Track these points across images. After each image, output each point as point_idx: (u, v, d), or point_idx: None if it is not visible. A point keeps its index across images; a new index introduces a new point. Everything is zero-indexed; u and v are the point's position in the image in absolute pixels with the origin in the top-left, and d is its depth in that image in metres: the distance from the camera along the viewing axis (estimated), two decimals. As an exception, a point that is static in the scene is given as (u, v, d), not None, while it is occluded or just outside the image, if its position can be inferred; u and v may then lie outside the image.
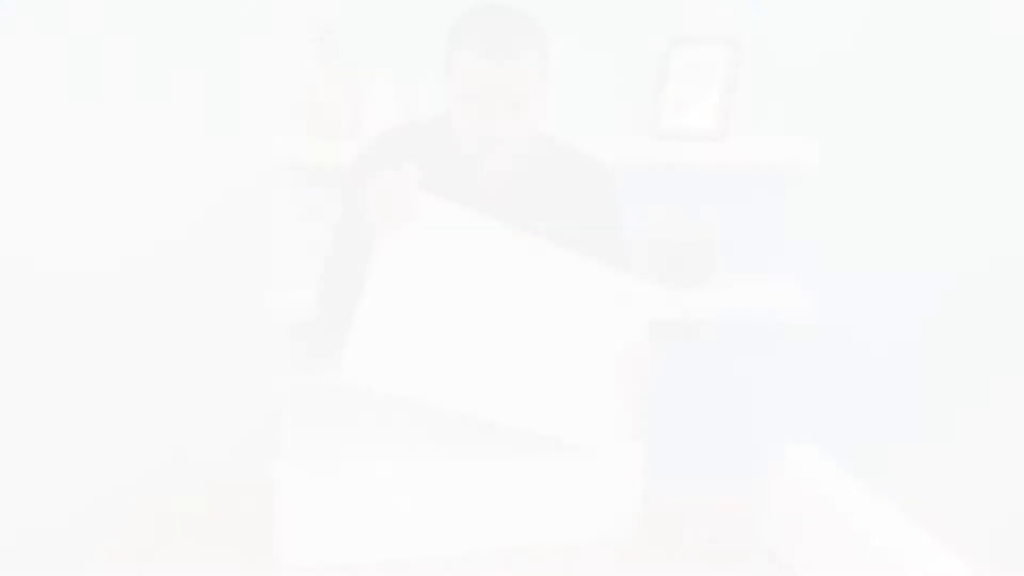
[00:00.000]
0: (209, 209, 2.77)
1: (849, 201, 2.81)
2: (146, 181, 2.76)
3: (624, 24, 2.74)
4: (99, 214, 2.78)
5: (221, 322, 2.81)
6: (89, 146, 2.75)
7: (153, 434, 2.88)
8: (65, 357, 2.85)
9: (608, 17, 2.73)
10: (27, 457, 2.89)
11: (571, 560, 1.94)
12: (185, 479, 2.86)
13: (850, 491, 1.82)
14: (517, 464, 1.96)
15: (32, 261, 2.80)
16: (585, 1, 2.72)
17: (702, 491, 2.32)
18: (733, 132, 2.70)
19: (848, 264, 2.84)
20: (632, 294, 1.90)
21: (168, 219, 2.78)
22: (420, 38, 2.67)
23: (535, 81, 1.92)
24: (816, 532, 1.83)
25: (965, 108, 2.78)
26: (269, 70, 2.72)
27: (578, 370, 1.89)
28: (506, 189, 2.05)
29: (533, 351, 1.87)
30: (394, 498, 1.91)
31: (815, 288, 2.79)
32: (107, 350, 2.84)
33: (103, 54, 2.71)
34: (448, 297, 1.79)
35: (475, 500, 1.95)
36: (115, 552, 1.97)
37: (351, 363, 1.75)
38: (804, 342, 2.88)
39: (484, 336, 1.83)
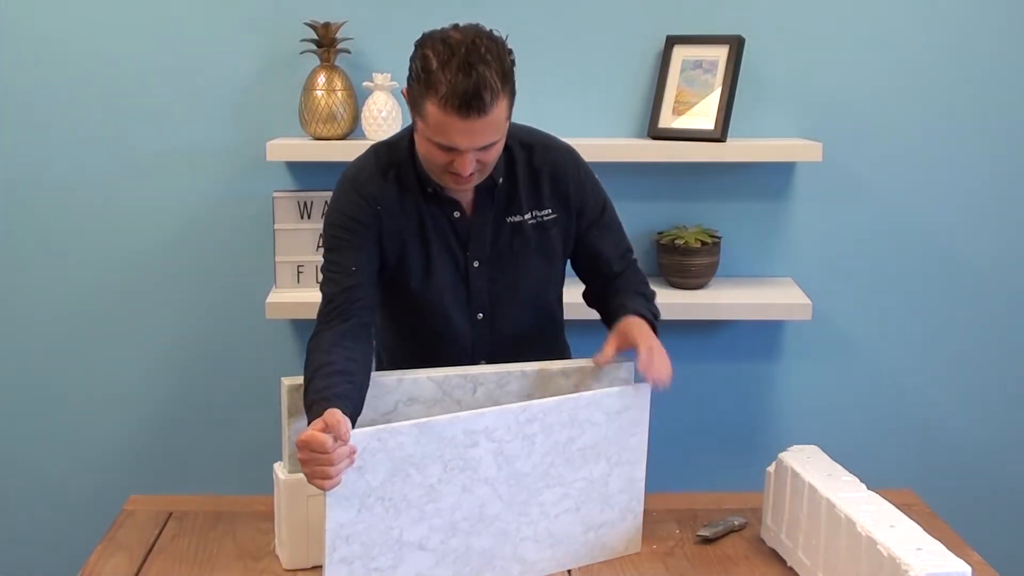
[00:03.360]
0: (209, 209, 2.77)
1: (849, 201, 2.80)
2: (146, 181, 2.76)
3: (624, 24, 2.74)
4: (99, 214, 2.77)
5: (221, 322, 2.81)
6: (89, 146, 2.75)
7: (152, 434, 2.88)
8: (65, 357, 2.84)
9: (608, 17, 2.73)
10: (26, 457, 2.89)
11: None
12: (184, 479, 2.86)
13: (850, 490, 1.82)
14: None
15: (32, 261, 2.80)
16: (585, 1, 2.72)
17: (702, 491, 2.32)
18: (733, 132, 2.69)
19: (848, 264, 2.84)
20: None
21: (168, 219, 2.78)
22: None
23: (504, 125, 1.90)
24: (816, 532, 1.83)
25: (965, 108, 2.78)
26: (269, 70, 2.72)
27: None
28: (488, 203, 2.04)
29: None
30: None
31: (815, 288, 2.79)
32: (107, 350, 2.84)
33: (103, 54, 2.71)
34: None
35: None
36: (115, 551, 1.97)
37: None
38: (804, 342, 2.87)
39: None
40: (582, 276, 2.20)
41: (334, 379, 1.79)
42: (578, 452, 1.88)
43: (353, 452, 1.66)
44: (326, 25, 2.61)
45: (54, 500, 2.90)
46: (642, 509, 1.98)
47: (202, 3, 2.70)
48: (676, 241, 2.70)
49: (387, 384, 1.88)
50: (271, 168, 2.72)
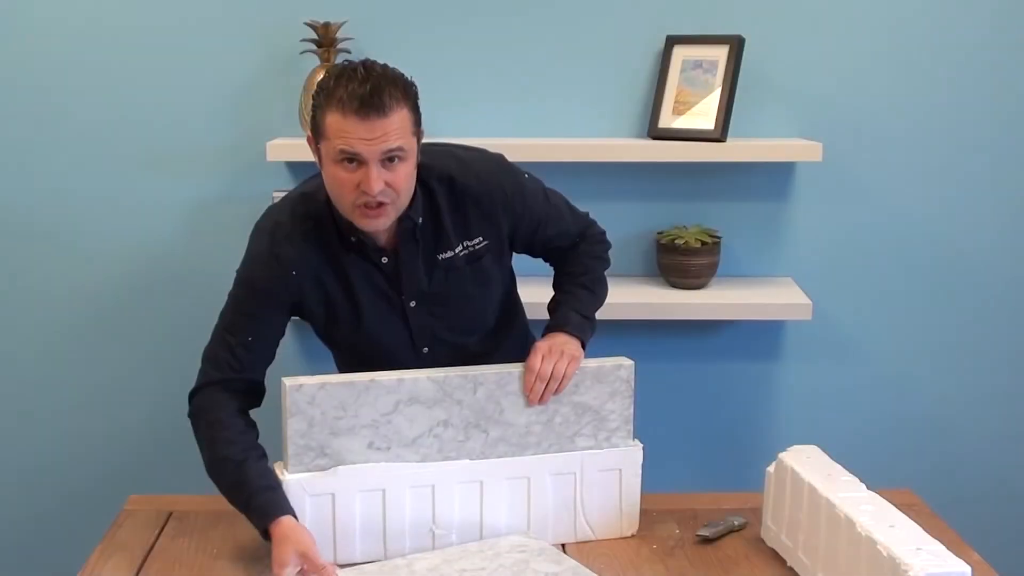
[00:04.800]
0: (209, 209, 2.77)
1: (849, 201, 2.80)
2: (146, 181, 2.76)
3: (624, 24, 2.73)
4: (99, 214, 2.77)
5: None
6: (89, 146, 2.75)
7: (153, 434, 2.88)
8: (65, 357, 2.84)
9: (608, 17, 2.72)
10: (26, 457, 2.89)
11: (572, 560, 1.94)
12: (184, 479, 2.86)
13: (850, 490, 1.82)
14: (518, 464, 1.96)
15: (31, 261, 2.80)
16: (585, 1, 2.72)
17: (702, 491, 2.32)
18: (733, 132, 2.69)
19: (848, 264, 2.84)
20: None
21: (168, 219, 2.78)
22: (420, 39, 2.67)
23: (410, 141, 1.87)
24: (816, 532, 1.83)
25: (965, 108, 2.78)
26: (269, 70, 2.72)
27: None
28: (412, 244, 1.99)
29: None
30: (394, 498, 1.91)
31: (815, 288, 2.78)
32: (107, 349, 2.84)
33: (103, 54, 2.71)
34: None
35: (477, 501, 1.95)
36: (115, 551, 1.97)
37: None
38: (804, 342, 2.87)
39: None
40: (548, 263, 2.21)
41: (263, 464, 1.90)
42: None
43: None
44: (326, 25, 2.61)
45: (54, 500, 2.90)
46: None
47: (202, 3, 2.70)
48: (676, 241, 2.70)
49: (387, 384, 1.88)
50: (271, 168, 2.72)
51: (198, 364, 2.01)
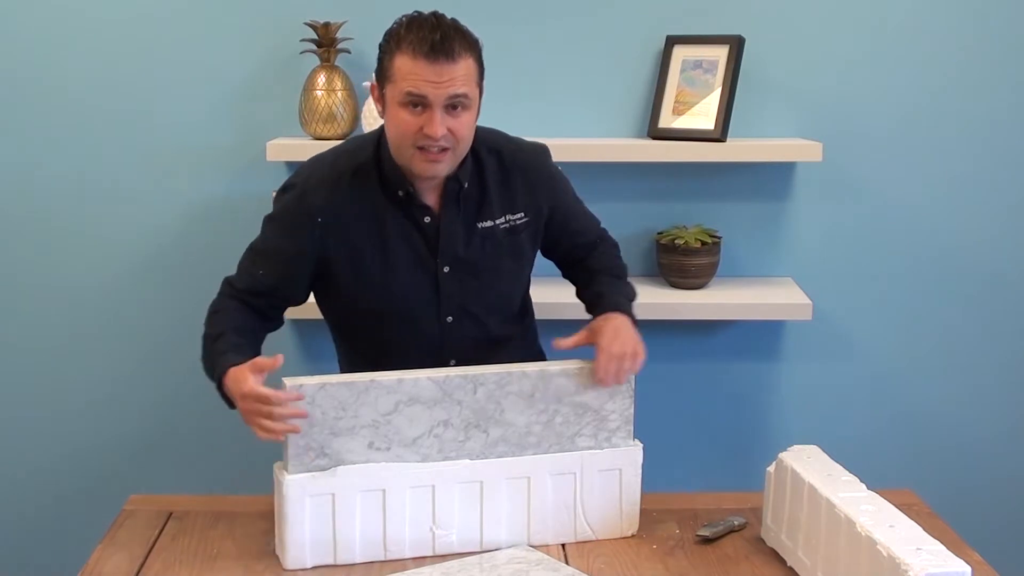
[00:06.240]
0: (209, 209, 2.77)
1: (849, 201, 2.80)
2: (146, 181, 2.76)
3: (624, 24, 2.74)
4: (99, 213, 2.77)
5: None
6: (89, 146, 2.75)
7: (152, 434, 2.88)
8: (65, 356, 2.84)
9: (608, 17, 2.73)
10: (26, 456, 2.89)
11: (572, 560, 1.94)
12: (184, 479, 2.86)
13: (850, 490, 1.82)
14: (519, 464, 1.96)
15: (31, 261, 2.80)
16: (585, 1, 2.72)
17: (702, 491, 2.32)
18: (733, 132, 2.69)
19: (848, 264, 2.84)
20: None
21: (168, 219, 2.78)
22: (420, 38, 2.67)
23: (474, 91, 1.94)
24: (816, 532, 1.83)
25: (965, 108, 2.78)
26: (269, 70, 2.72)
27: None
28: (455, 207, 2.04)
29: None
30: (394, 498, 1.91)
31: (815, 288, 2.79)
32: (107, 349, 2.84)
33: (103, 53, 2.71)
34: None
35: (477, 501, 1.95)
36: (115, 551, 1.97)
37: None
38: (804, 342, 2.87)
39: None
40: (563, 265, 2.24)
41: (235, 338, 1.94)
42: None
43: (300, 413, 1.80)
44: (326, 25, 2.62)
45: (54, 500, 2.90)
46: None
47: (202, 3, 2.70)
48: (676, 241, 2.70)
49: (387, 384, 1.88)
50: (271, 168, 2.72)
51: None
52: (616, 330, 1.99)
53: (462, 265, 2.05)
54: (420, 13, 1.94)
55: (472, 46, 1.93)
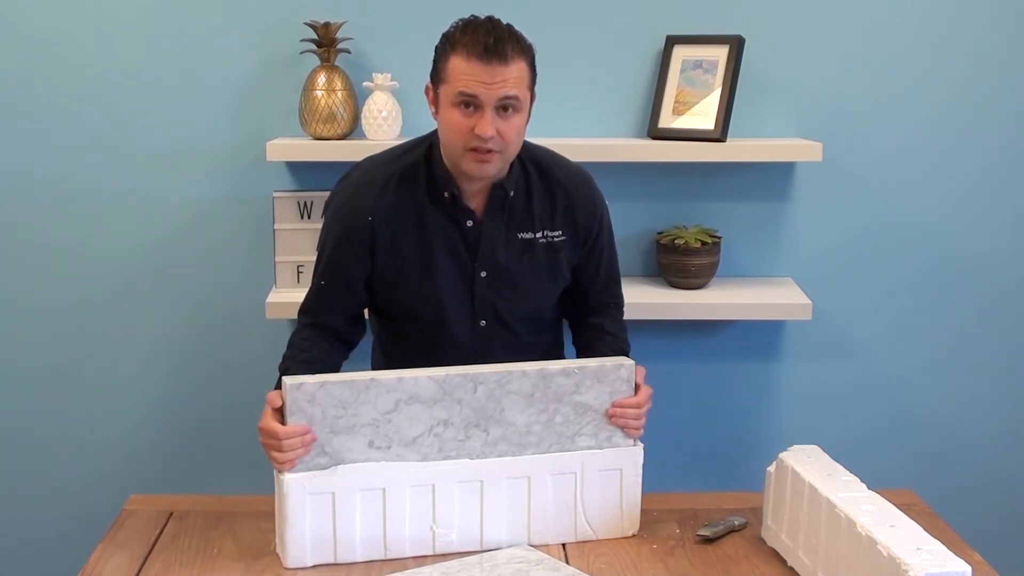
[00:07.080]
0: (209, 209, 2.77)
1: (849, 201, 2.80)
2: (146, 181, 2.76)
3: (624, 24, 2.74)
4: (99, 214, 2.77)
5: (221, 322, 2.81)
6: (89, 146, 2.74)
7: (153, 434, 2.88)
8: (64, 357, 2.84)
9: (608, 17, 2.73)
10: (27, 457, 2.89)
11: (572, 560, 1.94)
12: (184, 479, 2.86)
13: (850, 490, 1.82)
14: (519, 464, 1.96)
15: (31, 261, 2.80)
16: (585, 1, 2.72)
17: (702, 491, 2.32)
18: (733, 132, 2.69)
19: (848, 264, 2.84)
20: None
21: (168, 219, 2.78)
22: (420, 39, 2.67)
23: (526, 95, 1.98)
24: (816, 532, 1.83)
25: (965, 108, 2.78)
26: (269, 70, 2.72)
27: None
28: (499, 213, 2.07)
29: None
30: (394, 497, 1.91)
31: (815, 288, 2.79)
32: (107, 349, 2.84)
33: (103, 53, 2.71)
34: None
35: (477, 501, 1.95)
36: (115, 551, 1.97)
37: None
38: (804, 342, 2.87)
39: None
40: (570, 301, 2.22)
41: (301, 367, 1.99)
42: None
43: (307, 441, 1.85)
44: (326, 25, 2.62)
45: (54, 500, 2.90)
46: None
47: (203, 3, 2.70)
48: (676, 241, 2.70)
49: (387, 383, 1.88)
50: (271, 168, 2.72)
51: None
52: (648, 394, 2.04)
53: (499, 272, 2.09)
54: (476, 17, 1.97)
55: (525, 51, 1.97)
